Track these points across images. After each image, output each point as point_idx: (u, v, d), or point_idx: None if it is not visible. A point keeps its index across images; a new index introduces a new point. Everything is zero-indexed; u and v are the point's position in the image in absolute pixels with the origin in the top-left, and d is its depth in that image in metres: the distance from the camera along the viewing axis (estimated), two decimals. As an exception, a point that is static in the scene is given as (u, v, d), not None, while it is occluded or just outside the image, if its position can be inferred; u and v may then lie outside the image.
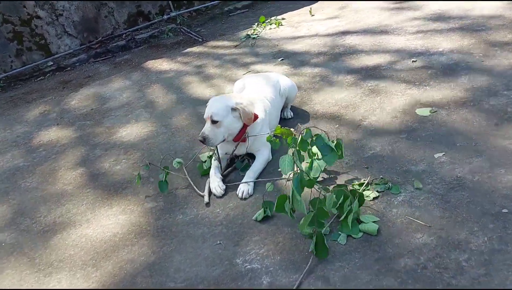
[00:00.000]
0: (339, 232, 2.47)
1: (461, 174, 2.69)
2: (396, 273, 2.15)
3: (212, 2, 8.27)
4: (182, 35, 7.36)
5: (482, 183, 2.58)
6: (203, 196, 3.08)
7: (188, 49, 6.57)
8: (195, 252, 2.62)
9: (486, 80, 3.65)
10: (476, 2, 5.43)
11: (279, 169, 2.60)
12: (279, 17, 6.91)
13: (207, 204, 3.01)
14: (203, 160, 3.47)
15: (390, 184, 2.74)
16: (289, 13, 7.03)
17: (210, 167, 3.33)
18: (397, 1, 6.27)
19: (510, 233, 2.22)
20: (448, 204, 2.50)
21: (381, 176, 2.84)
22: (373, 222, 2.47)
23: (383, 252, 2.29)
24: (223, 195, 3.04)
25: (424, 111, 3.45)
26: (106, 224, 3.06)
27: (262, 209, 2.76)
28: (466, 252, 2.17)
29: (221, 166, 3.28)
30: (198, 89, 5.00)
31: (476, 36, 4.50)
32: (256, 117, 3.21)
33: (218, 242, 2.66)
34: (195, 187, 3.18)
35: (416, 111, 3.48)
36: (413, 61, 4.37)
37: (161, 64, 6.15)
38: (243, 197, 2.98)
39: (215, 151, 3.33)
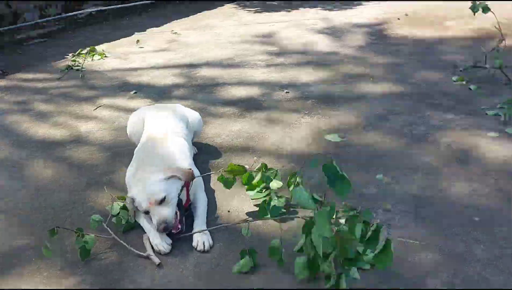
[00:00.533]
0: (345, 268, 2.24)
1: (413, 192, 2.81)
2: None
3: (-1, 29, 6.89)
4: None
5: (439, 198, 2.75)
6: (147, 257, 2.42)
7: (-14, 84, 5.27)
8: (186, 330, 2.01)
9: (369, 106, 3.99)
10: (308, 38, 5.98)
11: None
12: (97, 47, 6.20)
13: (159, 265, 2.37)
14: (114, 213, 2.75)
15: (358, 209, 2.66)
16: (107, 44, 6.39)
17: (134, 221, 2.66)
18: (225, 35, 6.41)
19: (500, 236, 2.40)
20: (426, 220, 2.57)
21: (343, 203, 2.74)
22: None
23: (404, 279, 2.18)
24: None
25: (334, 137, 3.52)
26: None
27: (245, 260, 2.32)
28: (479, 261, 2.24)
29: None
30: (40, 129, 4.02)
31: (328, 69, 4.91)
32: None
33: (207, 308, 2.11)
34: (131, 248, 2.47)
35: (326, 138, 3.52)
36: (286, 92, 4.46)
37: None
38: (206, 249, 2.45)
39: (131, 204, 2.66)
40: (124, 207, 2.73)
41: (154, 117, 3.17)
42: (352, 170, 3.03)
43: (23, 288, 2.15)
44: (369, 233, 2.09)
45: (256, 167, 2.79)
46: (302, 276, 2.21)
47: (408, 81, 4.49)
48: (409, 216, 2.60)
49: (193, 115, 3.38)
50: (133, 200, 2.56)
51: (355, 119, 3.78)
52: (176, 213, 2.52)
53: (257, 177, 2.71)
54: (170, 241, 2.49)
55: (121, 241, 2.50)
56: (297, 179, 2.63)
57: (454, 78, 4.47)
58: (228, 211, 2.75)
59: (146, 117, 3.20)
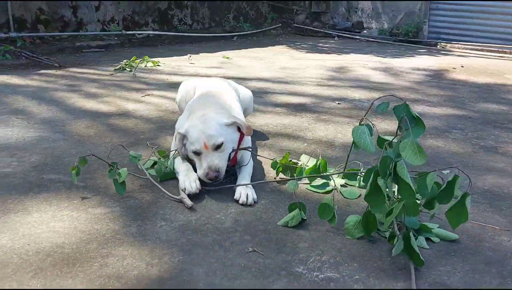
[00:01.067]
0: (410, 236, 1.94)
1: (486, 188, 2.51)
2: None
3: (61, 33, 7.13)
4: (25, 59, 6.03)
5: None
6: (180, 201, 2.19)
7: (43, 71, 5.37)
8: (222, 262, 1.74)
9: (428, 120, 3.76)
10: (360, 72, 5.88)
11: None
12: (151, 59, 6.28)
13: (191, 207, 2.14)
14: (147, 167, 2.56)
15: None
16: (161, 58, 6.47)
17: (172, 169, 2.46)
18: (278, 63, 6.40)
19: None
20: (503, 211, 2.25)
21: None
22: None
23: (484, 256, 1.86)
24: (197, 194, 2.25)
25: (390, 138, 3.28)
26: (34, 233, 1.89)
27: (294, 212, 2.06)
28: None
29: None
30: (87, 103, 3.97)
31: (382, 92, 4.74)
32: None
33: (250, 249, 1.84)
34: (163, 189, 2.28)
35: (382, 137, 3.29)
36: (338, 103, 4.31)
37: (11, 80, 4.82)
38: (249, 202, 2.21)
39: (175, 153, 2.49)
40: (155, 163, 2.55)
41: (207, 84, 3.05)
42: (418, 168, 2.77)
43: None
44: (444, 185, 1.82)
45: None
46: (355, 235, 1.95)
47: (468, 108, 4.26)
48: (483, 205, 2.31)
49: (245, 91, 3.25)
50: (183, 137, 2.36)
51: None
52: None
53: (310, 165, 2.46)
54: (199, 186, 2.27)
55: (155, 182, 2.31)
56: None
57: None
58: (274, 178, 2.51)
59: (198, 85, 3.07)
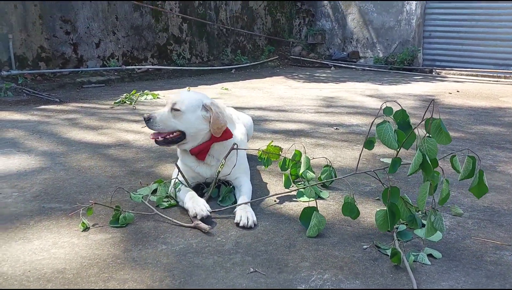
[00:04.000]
0: (413, 253, 1.94)
1: (486, 205, 2.52)
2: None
3: (62, 70, 7.25)
4: (26, 95, 6.12)
5: None
6: (195, 227, 2.20)
7: (44, 106, 5.44)
8: (224, 283, 1.74)
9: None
10: (357, 99, 5.95)
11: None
12: (151, 92, 6.37)
13: (208, 232, 2.15)
14: (145, 193, 2.58)
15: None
16: (160, 91, 6.56)
17: (175, 197, 2.48)
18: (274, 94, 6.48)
19: None
20: (503, 226, 2.25)
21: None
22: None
23: (486, 270, 1.85)
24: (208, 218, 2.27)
25: (389, 160, 3.30)
26: (35, 260, 1.89)
27: (313, 223, 2.09)
28: None
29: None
30: (87, 136, 4.01)
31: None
32: (229, 135, 2.55)
33: (252, 270, 1.83)
34: (173, 220, 2.28)
35: (381, 160, 3.32)
36: (336, 128, 4.35)
37: (12, 115, 4.88)
38: (249, 225, 2.21)
39: (177, 176, 2.52)
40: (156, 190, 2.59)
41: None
42: (410, 183, 2.79)
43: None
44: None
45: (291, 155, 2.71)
46: (383, 229, 2.06)
47: (466, 131, 4.29)
48: (484, 222, 2.31)
49: (245, 117, 3.29)
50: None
51: (412, 151, 3.57)
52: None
53: (303, 168, 2.56)
54: (209, 208, 2.28)
55: (162, 215, 2.31)
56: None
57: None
58: (275, 201, 2.53)
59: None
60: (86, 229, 2.17)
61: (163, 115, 2.41)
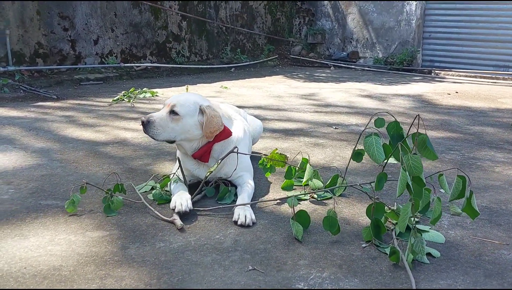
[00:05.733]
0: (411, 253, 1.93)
1: (484, 204, 2.51)
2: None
3: (59, 66, 7.22)
4: (23, 92, 6.09)
5: None
6: (171, 221, 2.19)
7: (41, 103, 5.41)
8: (222, 281, 1.73)
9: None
10: (354, 99, 5.94)
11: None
12: (150, 90, 6.35)
13: (181, 229, 2.13)
14: (144, 190, 2.57)
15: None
16: (159, 89, 6.54)
17: (170, 194, 2.47)
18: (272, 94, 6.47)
19: None
20: (502, 226, 2.25)
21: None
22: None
23: (485, 269, 1.84)
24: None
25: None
26: (31, 257, 1.87)
27: (294, 230, 2.07)
28: None
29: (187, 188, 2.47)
30: (85, 133, 3.99)
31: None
32: (228, 133, 2.53)
33: (250, 268, 1.82)
34: (154, 210, 2.28)
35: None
36: (335, 128, 4.34)
37: (9, 112, 4.86)
38: (247, 223, 2.20)
39: (176, 171, 2.51)
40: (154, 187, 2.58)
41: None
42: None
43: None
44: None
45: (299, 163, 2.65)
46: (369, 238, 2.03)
47: (464, 131, 4.29)
48: (482, 221, 2.30)
49: (256, 122, 3.28)
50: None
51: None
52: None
53: (307, 175, 2.52)
54: (191, 205, 2.28)
55: (147, 204, 2.31)
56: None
57: (514, 133, 4.24)
58: (276, 203, 2.51)
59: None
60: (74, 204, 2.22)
61: (162, 119, 2.36)
